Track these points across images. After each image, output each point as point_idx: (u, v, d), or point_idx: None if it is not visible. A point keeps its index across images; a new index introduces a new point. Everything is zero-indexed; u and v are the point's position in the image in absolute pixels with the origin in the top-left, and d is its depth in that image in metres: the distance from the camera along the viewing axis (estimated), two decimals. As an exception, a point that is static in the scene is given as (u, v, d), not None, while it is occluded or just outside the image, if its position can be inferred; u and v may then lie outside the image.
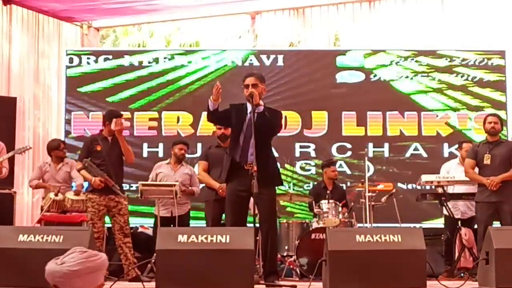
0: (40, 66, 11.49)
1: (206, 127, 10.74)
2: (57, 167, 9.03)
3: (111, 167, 7.90)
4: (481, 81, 10.99)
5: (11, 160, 9.15)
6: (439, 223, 9.58)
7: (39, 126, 11.28)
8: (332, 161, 9.92)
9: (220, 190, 8.23)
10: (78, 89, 11.06)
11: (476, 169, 8.18)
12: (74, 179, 9.06)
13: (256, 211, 6.59)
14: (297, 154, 10.97)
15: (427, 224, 10.25)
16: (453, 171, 9.09)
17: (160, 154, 10.55)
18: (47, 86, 11.52)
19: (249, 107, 6.49)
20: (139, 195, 8.32)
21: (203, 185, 9.07)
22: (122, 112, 8.29)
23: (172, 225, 8.54)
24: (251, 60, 11.16)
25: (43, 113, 11.49)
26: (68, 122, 11.00)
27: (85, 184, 8.83)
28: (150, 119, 10.99)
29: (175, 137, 10.39)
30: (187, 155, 9.99)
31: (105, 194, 7.86)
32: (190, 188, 9.08)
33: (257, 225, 6.55)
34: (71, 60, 11.15)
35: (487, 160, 8.03)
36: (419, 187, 9.83)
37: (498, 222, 7.97)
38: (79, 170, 8.04)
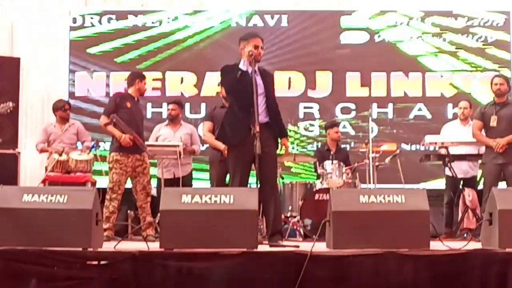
0: (44, 26, 11.39)
1: (210, 88, 10.76)
2: (62, 128, 9.02)
3: (136, 125, 7.90)
4: (485, 42, 10.99)
5: (15, 121, 9.16)
6: (442, 183, 9.57)
7: (43, 87, 11.23)
8: (335, 123, 9.88)
9: (226, 151, 8.17)
10: (81, 50, 11.06)
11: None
12: (82, 141, 9.06)
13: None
14: (301, 115, 10.97)
15: (430, 185, 10.27)
16: (454, 131, 9.07)
17: (164, 115, 10.51)
18: (51, 46, 11.44)
19: (246, 67, 6.17)
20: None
21: (207, 145, 9.06)
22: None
23: (175, 186, 8.55)
24: (255, 20, 11.11)
25: (46, 73, 11.42)
26: (72, 83, 11.01)
27: (90, 145, 8.85)
28: (154, 80, 10.96)
29: (179, 98, 10.35)
30: (191, 116, 9.94)
31: (132, 153, 7.81)
32: (190, 146, 9.07)
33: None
34: (74, 21, 11.13)
35: (493, 122, 7.99)
36: (422, 148, 9.84)
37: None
38: (105, 125, 7.84)
